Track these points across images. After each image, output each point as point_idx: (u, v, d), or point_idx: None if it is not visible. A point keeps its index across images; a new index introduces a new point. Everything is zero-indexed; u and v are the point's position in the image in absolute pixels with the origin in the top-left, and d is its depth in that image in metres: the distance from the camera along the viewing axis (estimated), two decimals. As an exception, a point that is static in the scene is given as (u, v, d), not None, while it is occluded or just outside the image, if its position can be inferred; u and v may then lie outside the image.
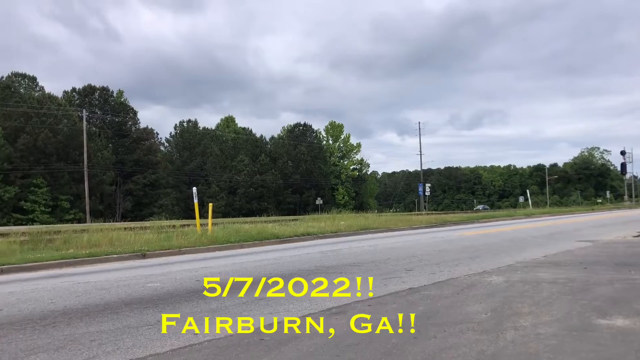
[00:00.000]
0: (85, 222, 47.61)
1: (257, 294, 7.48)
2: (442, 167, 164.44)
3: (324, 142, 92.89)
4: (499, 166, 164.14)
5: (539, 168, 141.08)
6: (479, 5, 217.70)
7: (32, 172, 58.27)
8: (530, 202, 63.56)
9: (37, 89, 70.82)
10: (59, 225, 33.24)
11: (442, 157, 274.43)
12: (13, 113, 59.76)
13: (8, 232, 17.72)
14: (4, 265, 11.37)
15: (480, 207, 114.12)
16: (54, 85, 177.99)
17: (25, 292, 8.25)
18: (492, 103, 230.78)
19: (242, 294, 7.55)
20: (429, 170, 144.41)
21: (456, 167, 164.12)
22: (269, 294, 7.51)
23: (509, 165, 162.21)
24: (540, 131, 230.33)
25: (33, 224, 45.16)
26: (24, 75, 71.16)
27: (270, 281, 8.66)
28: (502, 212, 50.97)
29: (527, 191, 70.44)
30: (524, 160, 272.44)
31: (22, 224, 46.73)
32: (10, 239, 15.56)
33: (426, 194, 67.22)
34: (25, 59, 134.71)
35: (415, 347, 4.74)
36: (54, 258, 12.39)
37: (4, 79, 68.07)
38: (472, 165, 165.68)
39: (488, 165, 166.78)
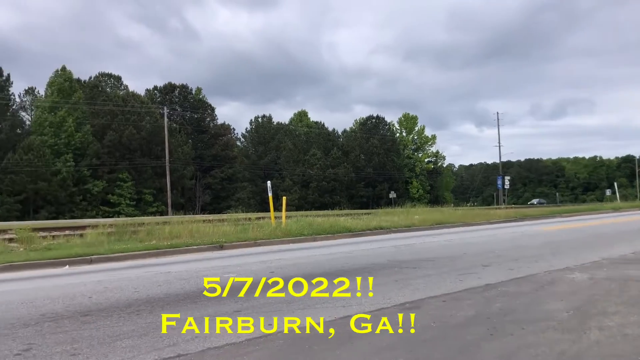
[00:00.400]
0: (167, 214, 49.69)
1: (328, 287, 7.52)
2: (522, 159, 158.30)
3: (397, 134, 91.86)
4: (584, 157, 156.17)
5: (628, 159, 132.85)
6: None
7: (117, 167, 61.42)
8: (618, 196, 59.93)
9: (122, 87, 74.39)
10: (142, 217, 34.86)
11: (522, 148, 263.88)
12: (100, 111, 63.19)
13: (97, 224, 18.77)
14: (93, 255, 12.07)
15: (535, 201, 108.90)
16: (137, 83, 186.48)
17: (111, 281, 8.72)
18: (576, 91, 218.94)
19: (315, 287, 7.63)
20: (509, 162, 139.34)
21: (537, 159, 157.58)
22: (342, 287, 7.53)
23: (595, 157, 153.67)
24: (630, 120, 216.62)
25: (119, 217, 47.64)
26: (110, 75, 74.97)
27: (342, 274, 8.69)
28: (587, 205, 48.46)
29: (615, 184, 66.42)
30: (611, 152, 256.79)
31: (109, 217, 49.42)
32: (99, 230, 16.47)
33: (505, 187, 64.92)
34: (111, 59, 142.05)
35: (491, 344, 4.61)
36: (138, 249, 13.02)
37: (92, 79, 72.05)
38: (554, 157, 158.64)
39: (571, 156, 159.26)
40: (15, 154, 53.89)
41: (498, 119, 70.86)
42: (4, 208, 50.57)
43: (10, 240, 15.39)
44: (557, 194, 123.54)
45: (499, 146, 70.69)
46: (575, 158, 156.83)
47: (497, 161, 74.69)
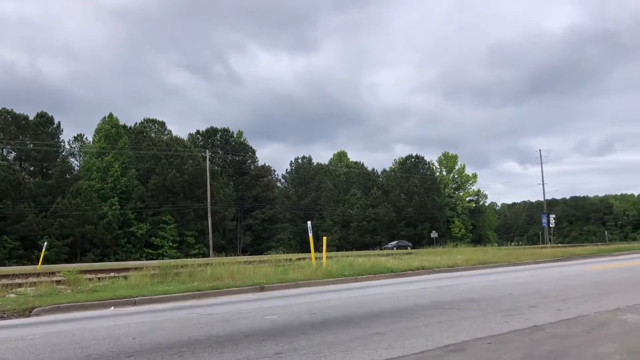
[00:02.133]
0: (208, 256, 50.19)
1: (371, 329, 7.42)
2: (567, 197, 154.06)
3: (437, 173, 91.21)
4: (632, 194, 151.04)
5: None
6: (606, 23, 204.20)
7: (161, 209, 62.83)
8: (671, 233, 57.60)
9: (166, 132, 76.84)
10: (184, 259, 35.35)
11: (567, 186, 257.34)
12: (145, 156, 65.22)
13: (141, 267, 19.14)
14: (136, 296, 12.26)
15: (392, 244, 66.38)
16: (181, 128, 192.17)
17: (154, 322, 8.82)
18: (624, 127, 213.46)
19: (357, 328, 7.54)
20: (553, 200, 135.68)
21: (583, 197, 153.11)
22: (384, 328, 7.42)
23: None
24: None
25: (162, 259, 48.44)
26: (154, 121, 77.64)
27: (384, 316, 8.57)
28: (637, 244, 46.63)
29: (667, 221, 63.92)
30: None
31: (152, 259, 50.30)
32: (143, 272, 16.76)
33: (550, 225, 63.41)
34: (156, 105, 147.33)
35: (540, 389, 4.45)
36: (180, 290, 13.15)
37: (137, 125, 74.72)
38: (601, 194, 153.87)
39: (619, 193, 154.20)
40: (64, 198, 55.84)
41: (541, 156, 69.83)
42: (53, 251, 52.10)
43: (58, 282, 15.81)
44: (606, 232, 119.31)
45: (543, 184, 69.33)
46: (624, 195, 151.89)
47: (541, 199, 73.01)
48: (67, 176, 62.37)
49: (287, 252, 48.35)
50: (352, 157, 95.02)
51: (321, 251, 19.89)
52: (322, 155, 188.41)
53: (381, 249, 49.14)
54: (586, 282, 13.48)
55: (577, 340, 6.29)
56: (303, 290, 14.03)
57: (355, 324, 7.92)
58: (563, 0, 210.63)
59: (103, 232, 57.08)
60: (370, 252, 31.17)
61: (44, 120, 62.78)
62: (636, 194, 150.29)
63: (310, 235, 20.01)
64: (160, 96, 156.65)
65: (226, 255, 39.72)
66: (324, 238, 20.73)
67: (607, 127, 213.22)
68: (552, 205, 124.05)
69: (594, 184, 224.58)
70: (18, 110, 61.34)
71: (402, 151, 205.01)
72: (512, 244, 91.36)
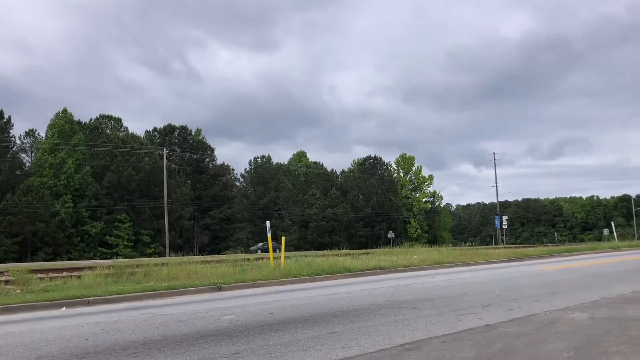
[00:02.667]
0: (164, 255, 49.41)
1: (328, 329, 7.47)
2: (519, 199, 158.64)
3: (395, 174, 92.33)
4: (581, 197, 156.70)
5: (625, 199, 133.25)
6: (559, 31, 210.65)
7: (116, 208, 61.45)
8: (615, 235, 59.99)
9: (122, 129, 75.15)
10: (140, 259, 34.68)
11: (520, 188, 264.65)
12: (100, 152, 63.66)
13: (95, 266, 18.68)
14: (90, 296, 11.97)
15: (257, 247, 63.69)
16: (141, 125, 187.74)
17: (108, 322, 8.64)
18: (574, 131, 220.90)
19: (314, 328, 7.57)
20: (506, 202, 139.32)
21: (535, 199, 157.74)
22: (341, 327, 7.48)
23: (592, 196, 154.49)
24: (627, 160, 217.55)
25: (117, 258, 47.38)
26: (110, 117, 75.82)
27: (341, 315, 8.63)
28: (585, 245, 48.39)
29: (612, 223, 66.53)
30: (608, 191, 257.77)
31: (106, 258, 49.15)
32: (96, 272, 16.35)
33: (503, 226, 64.98)
34: (114, 101, 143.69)
35: (492, 386, 4.57)
36: (135, 290, 12.91)
37: (92, 121, 72.83)
38: (551, 197, 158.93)
39: (569, 196, 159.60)
40: (14, 195, 53.95)
41: (495, 160, 71.52)
42: (2, 249, 50.33)
43: (7, 282, 15.27)
44: (556, 233, 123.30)
45: (496, 186, 71.13)
46: (573, 198, 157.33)
47: (495, 201, 74.83)
48: (18, 172, 60.25)
49: (246, 252, 47.99)
50: (312, 157, 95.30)
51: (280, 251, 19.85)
52: (282, 155, 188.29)
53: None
54: (537, 282, 13.90)
55: (528, 339, 6.49)
56: (261, 290, 13.99)
57: (312, 323, 7.95)
58: (519, 7, 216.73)
59: (55, 231, 55.40)
60: (329, 251, 31.29)
61: (-7, 114, 60.57)
62: (584, 197, 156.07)
63: (269, 235, 19.97)
64: (118, 92, 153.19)
65: (183, 255, 39.16)
66: (283, 238, 20.72)
67: (557, 132, 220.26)
68: (505, 207, 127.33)
69: (545, 186, 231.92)
70: (-35, 104, 59.09)
71: (362, 152, 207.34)
72: (467, 244, 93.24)
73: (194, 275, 16.04)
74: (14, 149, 63.33)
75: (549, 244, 68.23)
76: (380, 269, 19.10)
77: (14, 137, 63.56)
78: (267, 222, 21.42)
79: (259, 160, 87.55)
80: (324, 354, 5.91)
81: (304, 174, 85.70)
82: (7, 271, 18.71)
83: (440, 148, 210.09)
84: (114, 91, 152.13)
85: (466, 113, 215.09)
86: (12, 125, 62.42)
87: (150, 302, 11.90)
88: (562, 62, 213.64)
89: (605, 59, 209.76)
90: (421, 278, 16.04)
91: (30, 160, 66.01)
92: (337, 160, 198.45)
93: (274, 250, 21.07)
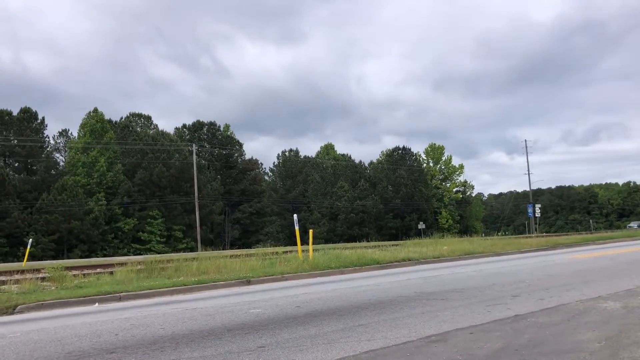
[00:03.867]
0: (196, 250, 50.03)
1: (355, 321, 7.45)
2: (553, 187, 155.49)
3: (425, 165, 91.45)
4: (617, 183, 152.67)
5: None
6: (593, 12, 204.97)
7: (148, 204, 62.38)
8: (654, 221, 58.36)
9: (152, 127, 76.19)
10: (171, 254, 35.20)
11: (553, 176, 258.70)
12: (131, 150, 64.67)
13: (126, 262, 19.00)
14: (121, 292, 12.19)
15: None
16: (170, 122, 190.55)
17: (138, 318, 8.79)
18: (609, 116, 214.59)
19: (340, 320, 7.56)
20: (539, 190, 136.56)
21: (569, 186, 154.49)
22: (368, 320, 7.45)
23: (629, 182, 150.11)
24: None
25: (150, 254, 48.19)
26: (140, 115, 76.95)
27: (368, 307, 8.60)
28: (621, 232, 47.19)
29: (650, 209, 64.66)
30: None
31: (139, 254, 49.98)
32: (128, 267, 16.66)
33: (536, 215, 63.86)
34: (144, 98, 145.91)
35: (518, 377, 4.49)
36: (165, 286, 13.11)
37: (122, 119, 74.04)
38: (585, 184, 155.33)
39: (604, 182, 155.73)
40: (49, 194, 55.28)
41: (527, 147, 70.19)
42: (39, 248, 51.63)
43: (43, 279, 15.68)
44: (591, 220, 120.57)
45: (529, 174, 69.85)
46: (608, 184, 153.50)
47: (527, 189, 73.55)
48: (52, 172, 61.62)
49: (275, 245, 48.32)
50: (342, 149, 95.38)
51: (308, 244, 19.89)
52: (311, 148, 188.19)
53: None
54: (569, 271, 13.62)
55: (558, 329, 6.36)
56: (289, 283, 14.04)
57: (339, 316, 7.94)
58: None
59: (89, 228, 56.59)
60: (357, 244, 31.24)
61: (28, 115, 61.94)
62: (620, 183, 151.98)
63: (297, 228, 20.00)
64: (147, 90, 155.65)
65: (214, 250, 39.62)
66: (311, 231, 20.72)
67: (592, 117, 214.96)
68: (537, 195, 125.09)
69: (579, 173, 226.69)
70: (1, 106, 60.57)
71: (391, 143, 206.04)
72: (499, 234, 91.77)
73: (224, 270, 16.19)
74: (48, 149, 64.84)
75: (584, 232, 66.81)
76: (409, 260, 18.98)
77: (48, 137, 65.15)
78: (295, 216, 21.47)
79: (287, 154, 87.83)
80: (349, 346, 5.90)
81: (332, 167, 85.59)
82: (43, 268, 19.20)
83: (472, 136, 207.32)
84: (144, 89, 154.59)
85: (497, 100, 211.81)
86: (46, 126, 63.94)
87: (180, 296, 12.07)
88: (597, 45, 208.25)
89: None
90: (450, 269, 15.89)
91: (64, 160, 67.46)
92: (366, 151, 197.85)
93: None
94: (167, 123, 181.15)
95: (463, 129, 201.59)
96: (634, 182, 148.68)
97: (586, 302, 8.18)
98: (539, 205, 64.71)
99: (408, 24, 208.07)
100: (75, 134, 67.49)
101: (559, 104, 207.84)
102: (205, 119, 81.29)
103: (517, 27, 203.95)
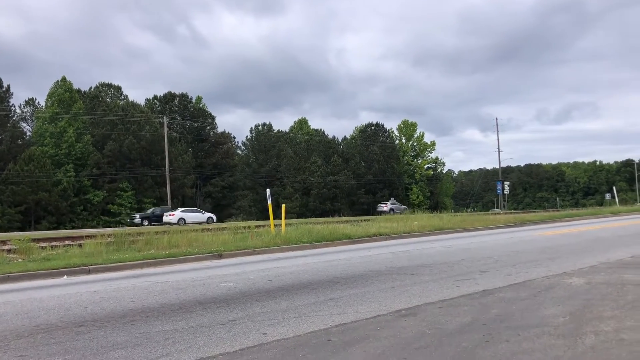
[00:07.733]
0: (167, 223, 49.58)
1: (326, 295, 7.50)
2: (522, 165, 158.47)
3: (397, 141, 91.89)
4: (584, 162, 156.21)
5: (628, 163, 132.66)
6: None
7: (118, 176, 61.45)
8: (617, 200, 60.02)
9: (122, 97, 74.61)
10: (141, 227, 34.84)
11: (525, 154, 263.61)
12: (100, 121, 63.33)
13: (95, 234, 18.76)
14: (90, 265, 12.05)
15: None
16: (146, 92, 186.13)
17: (108, 291, 8.70)
18: (582, 95, 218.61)
19: (311, 294, 7.61)
20: (509, 167, 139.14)
21: (537, 164, 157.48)
22: (339, 294, 7.51)
23: (594, 161, 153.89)
24: (634, 124, 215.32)
25: (119, 226, 47.63)
26: (109, 85, 75.20)
27: (339, 282, 8.67)
28: (586, 210, 48.42)
29: (614, 188, 66.51)
30: (612, 156, 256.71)
31: (109, 226, 49.37)
32: (98, 240, 16.46)
33: (505, 192, 65.12)
34: (119, 68, 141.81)
35: (486, 351, 4.59)
36: (136, 259, 12.99)
37: (92, 89, 72.26)
38: (554, 162, 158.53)
39: (572, 161, 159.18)
40: (16, 164, 53.95)
41: (497, 124, 71.08)
42: (5, 219, 50.59)
43: (9, 251, 15.39)
44: (558, 198, 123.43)
45: (499, 151, 70.77)
46: (575, 163, 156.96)
47: (497, 166, 74.69)
48: (19, 142, 60.00)
49: (248, 220, 48.20)
50: (319, 124, 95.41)
51: (281, 218, 19.90)
52: (287, 122, 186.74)
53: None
54: (536, 247, 13.93)
55: (524, 304, 6.51)
56: (261, 257, 14.06)
57: (310, 290, 7.99)
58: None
59: (58, 200, 55.54)
60: (330, 219, 31.39)
61: (-8, 83, 60.09)
62: (587, 162, 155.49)
63: (270, 202, 19.98)
64: (123, 59, 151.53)
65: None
66: (283, 205, 20.72)
67: (566, 96, 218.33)
68: (507, 172, 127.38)
69: (549, 151, 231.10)
70: (-38, 73, 58.53)
71: (368, 118, 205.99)
72: (468, 210, 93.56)
73: (195, 243, 16.12)
74: (14, 118, 63.03)
75: (551, 209, 68.39)
76: (380, 235, 19.17)
77: (14, 106, 63.25)
78: (268, 190, 21.43)
79: (260, 128, 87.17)
80: (320, 320, 5.94)
81: (306, 142, 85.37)
82: (9, 240, 18.83)
83: (448, 113, 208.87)
84: (119, 57, 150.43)
85: (476, 77, 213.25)
86: (12, 94, 61.95)
87: (151, 270, 11.98)
88: (574, 24, 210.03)
89: (620, 19, 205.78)
90: (421, 244, 16.10)
91: (31, 130, 65.79)
92: (343, 126, 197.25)
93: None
94: (142, 93, 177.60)
95: (440, 105, 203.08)
96: (600, 161, 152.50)
97: (552, 278, 8.38)
98: (508, 183, 65.95)
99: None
100: (43, 103, 65.75)
101: (535, 83, 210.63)
102: (181, 90, 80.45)
103: (499, 4, 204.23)
